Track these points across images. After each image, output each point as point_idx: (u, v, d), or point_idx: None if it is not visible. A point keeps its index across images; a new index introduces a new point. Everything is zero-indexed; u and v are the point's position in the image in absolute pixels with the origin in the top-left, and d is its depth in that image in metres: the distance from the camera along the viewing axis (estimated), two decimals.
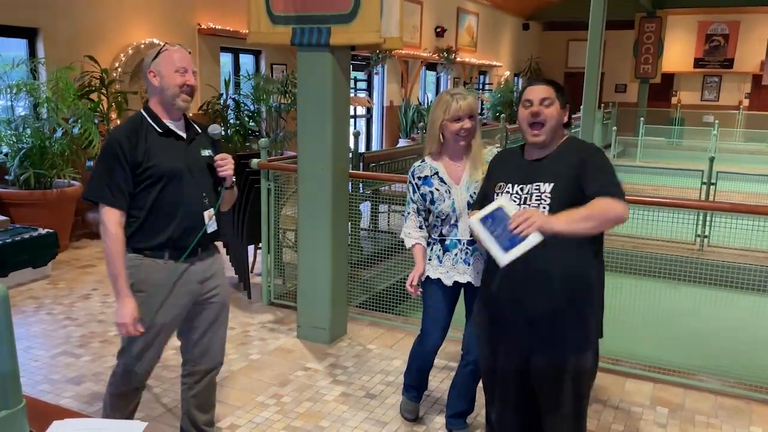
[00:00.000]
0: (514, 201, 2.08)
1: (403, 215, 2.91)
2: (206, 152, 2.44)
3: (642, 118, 15.90)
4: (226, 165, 2.43)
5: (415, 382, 3.09)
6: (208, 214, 2.38)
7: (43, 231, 5.20)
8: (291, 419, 3.10)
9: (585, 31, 11.66)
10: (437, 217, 2.75)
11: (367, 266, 5.53)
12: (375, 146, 13.19)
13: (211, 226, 2.40)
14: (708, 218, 6.69)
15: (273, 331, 4.16)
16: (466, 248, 2.72)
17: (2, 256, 4.82)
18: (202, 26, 7.99)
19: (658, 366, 3.70)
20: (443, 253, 2.76)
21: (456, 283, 2.77)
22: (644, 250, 6.34)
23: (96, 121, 6.20)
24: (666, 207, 5.14)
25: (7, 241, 4.90)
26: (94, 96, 6.47)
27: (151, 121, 2.34)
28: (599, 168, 2.05)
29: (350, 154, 6.53)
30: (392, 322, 4.33)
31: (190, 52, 2.50)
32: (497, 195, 2.13)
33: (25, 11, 6.08)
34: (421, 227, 2.82)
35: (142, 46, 7.14)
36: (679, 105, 20.10)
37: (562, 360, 2.13)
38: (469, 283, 2.74)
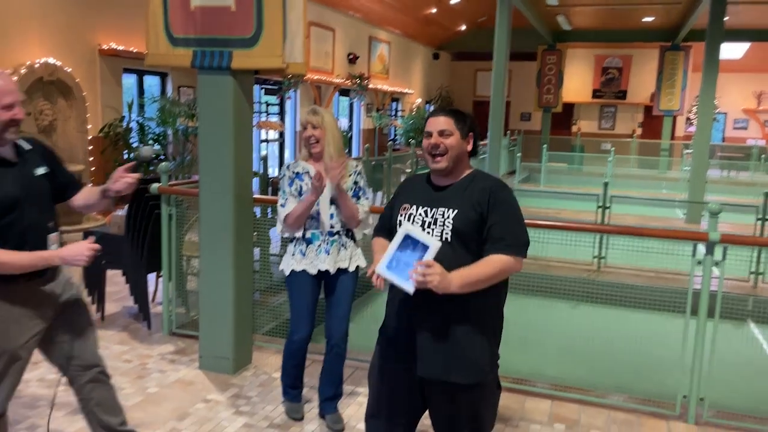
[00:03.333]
0: (418, 222, 2.12)
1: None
2: (40, 170, 2.37)
3: (545, 145, 16.65)
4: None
5: (292, 380, 3.31)
6: (53, 238, 2.35)
7: None
8: None
9: (491, 62, 12.18)
10: None
11: (277, 292, 5.43)
12: None
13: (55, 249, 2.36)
14: (604, 240, 7.05)
15: (173, 363, 3.98)
16: (327, 239, 3.10)
17: None
18: (104, 47, 7.70)
19: (557, 384, 3.83)
20: (306, 247, 3.10)
21: (319, 271, 3.10)
22: (546, 271, 6.61)
23: None
24: (566, 230, 5.38)
25: None
26: None
27: None
28: (505, 213, 2.08)
29: (257, 178, 6.46)
30: None
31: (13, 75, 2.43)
32: (401, 215, 2.18)
33: None
34: None
35: (37, 65, 6.80)
36: (579, 133, 21.23)
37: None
38: (327, 271, 3.10)
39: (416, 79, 20.00)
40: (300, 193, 3.09)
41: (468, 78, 22.85)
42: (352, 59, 14.99)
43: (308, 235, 3.10)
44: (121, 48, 7.81)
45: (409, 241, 1.92)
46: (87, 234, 4.82)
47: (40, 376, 3.76)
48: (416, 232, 1.95)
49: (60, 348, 2.46)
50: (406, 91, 18.62)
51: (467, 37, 20.50)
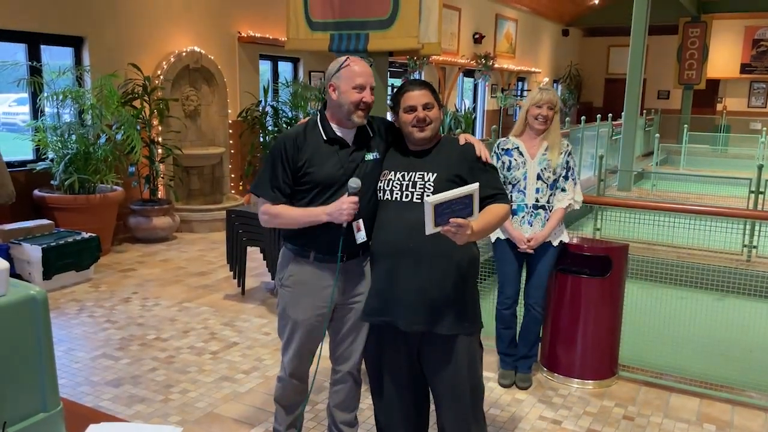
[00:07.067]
0: (396, 186, 2.29)
1: None
2: (371, 155, 2.37)
3: (686, 125, 15.50)
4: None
5: (506, 347, 3.52)
6: (357, 225, 2.30)
7: (86, 235, 5.32)
8: None
9: (626, 37, 11.48)
10: (509, 183, 3.32)
11: None
12: None
13: (360, 237, 2.32)
14: (756, 228, 6.46)
15: None
16: (531, 211, 3.31)
17: (47, 259, 4.94)
18: (242, 34, 8.10)
19: (704, 380, 3.57)
20: (511, 217, 3.27)
21: None
22: (688, 260, 6.17)
23: (138, 127, 6.32)
24: (713, 216, 4.99)
25: (52, 244, 5.02)
26: (136, 103, 6.61)
27: (321, 127, 2.37)
28: (484, 168, 2.32)
29: None
30: None
31: (371, 64, 2.49)
32: (381, 181, 2.34)
33: (71, 21, 6.25)
34: None
35: (184, 54, 7.27)
36: (724, 112, 19.56)
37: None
38: (530, 240, 3.30)
39: (544, 57, 19.31)
40: (509, 168, 3.32)
41: (600, 54, 21.73)
42: (478, 39, 14.73)
43: (514, 206, 3.30)
44: (258, 35, 8.17)
45: (468, 200, 2.03)
46: (228, 213, 5.12)
47: (190, 344, 4.06)
48: (477, 198, 2.05)
49: (333, 346, 2.50)
50: (533, 69, 18.04)
51: (599, 12, 19.43)
